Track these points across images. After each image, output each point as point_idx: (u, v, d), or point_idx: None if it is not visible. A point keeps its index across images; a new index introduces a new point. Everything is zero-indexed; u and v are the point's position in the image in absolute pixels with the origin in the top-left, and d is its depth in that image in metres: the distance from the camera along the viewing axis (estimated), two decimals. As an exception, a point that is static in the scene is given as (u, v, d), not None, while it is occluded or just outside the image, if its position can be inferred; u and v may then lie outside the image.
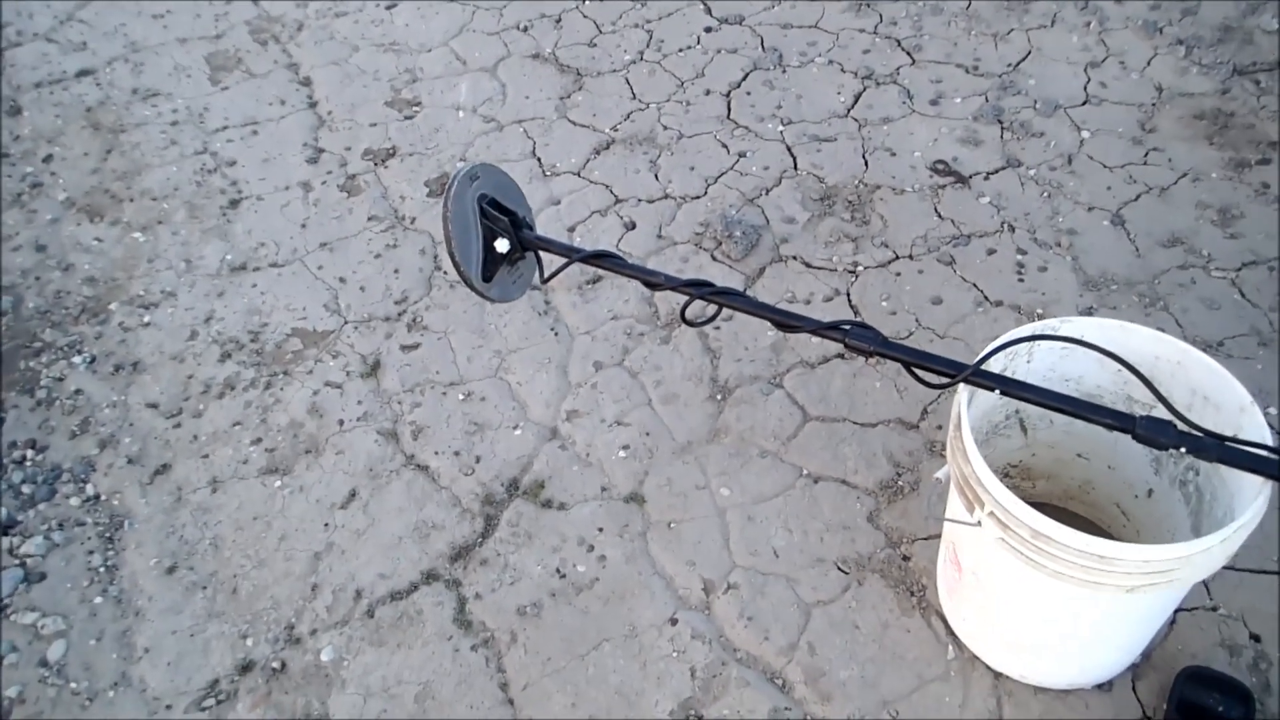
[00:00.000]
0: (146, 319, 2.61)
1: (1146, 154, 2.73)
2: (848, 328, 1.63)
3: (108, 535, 2.16)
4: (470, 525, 2.13)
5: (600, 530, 2.10)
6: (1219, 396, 1.58)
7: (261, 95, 3.31)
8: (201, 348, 2.53)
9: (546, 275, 1.88)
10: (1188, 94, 2.88)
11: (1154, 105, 2.86)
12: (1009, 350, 1.66)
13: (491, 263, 1.86)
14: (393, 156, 3.04)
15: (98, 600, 2.06)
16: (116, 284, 2.72)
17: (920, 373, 1.60)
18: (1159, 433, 1.40)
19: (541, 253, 1.91)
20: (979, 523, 1.53)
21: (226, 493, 2.23)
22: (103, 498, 2.23)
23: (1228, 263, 2.44)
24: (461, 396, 2.38)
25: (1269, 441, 1.47)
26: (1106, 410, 1.46)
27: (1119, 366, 1.46)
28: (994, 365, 1.67)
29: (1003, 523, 1.49)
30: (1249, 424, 1.52)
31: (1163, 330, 2.32)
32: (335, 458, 2.28)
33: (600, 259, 1.83)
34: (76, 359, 2.52)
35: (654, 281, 1.77)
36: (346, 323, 2.57)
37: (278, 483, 2.24)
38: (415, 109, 3.20)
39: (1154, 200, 2.61)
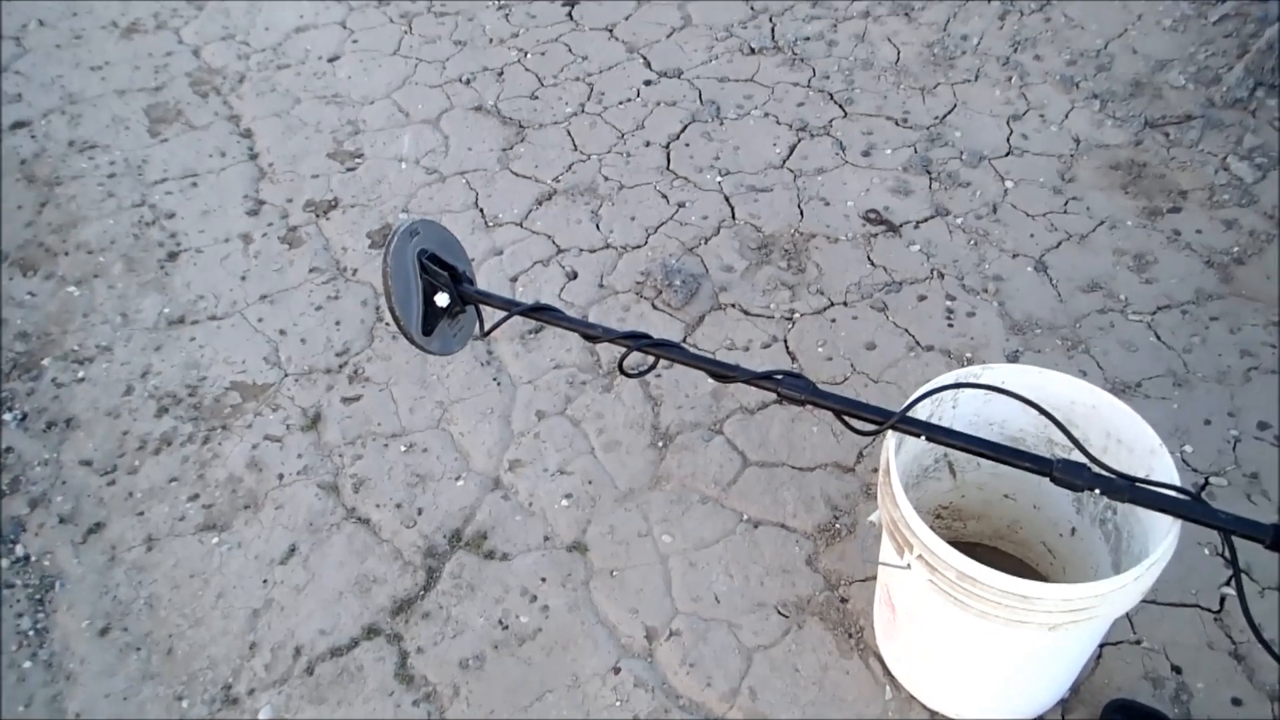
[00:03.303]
0: (81, 374, 2.58)
1: (1066, 203, 2.86)
2: (780, 377, 1.68)
3: (38, 597, 2.11)
4: (412, 578, 2.12)
5: (543, 580, 2.11)
6: (1131, 439, 1.66)
7: (202, 147, 3.31)
8: (138, 403, 2.50)
9: (486, 329, 1.91)
10: (1104, 145, 3.02)
11: (1072, 156, 3.00)
12: (936, 396, 1.73)
13: (432, 316, 1.89)
14: (334, 208, 3.05)
15: (26, 665, 2.00)
16: (50, 339, 2.68)
17: (850, 420, 1.66)
18: (1074, 475, 1.47)
19: (481, 306, 1.95)
20: (909, 565, 1.58)
21: (162, 550, 2.19)
22: (33, 558, 2.19)
23: (1144, 306, 2.56)
24: (403, 448, 2.38)
25: (1176, 481, 1.54)
26: (1025, 454, 1.52)
27: (1015, 400, 1.53)
28: (921, 412, 1.73)
29: (930, 565, 1.53)
30: (1159, 465, 1.59)
31: (1085, 373, 2.43)
32: (275, 512, 2.26)
33: (539, 312, 1.86)
34: (7, 416, 2.47)
35: (592, 334, 1.81)
36: (287, 375, 2.56)
37: (215, 539, 2.21)
38: (357, 161, 3.22)
39: (1074, 247, 2.73)
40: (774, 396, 2.47)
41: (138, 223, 3.03)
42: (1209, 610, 1.96)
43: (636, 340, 1.77)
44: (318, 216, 3.03)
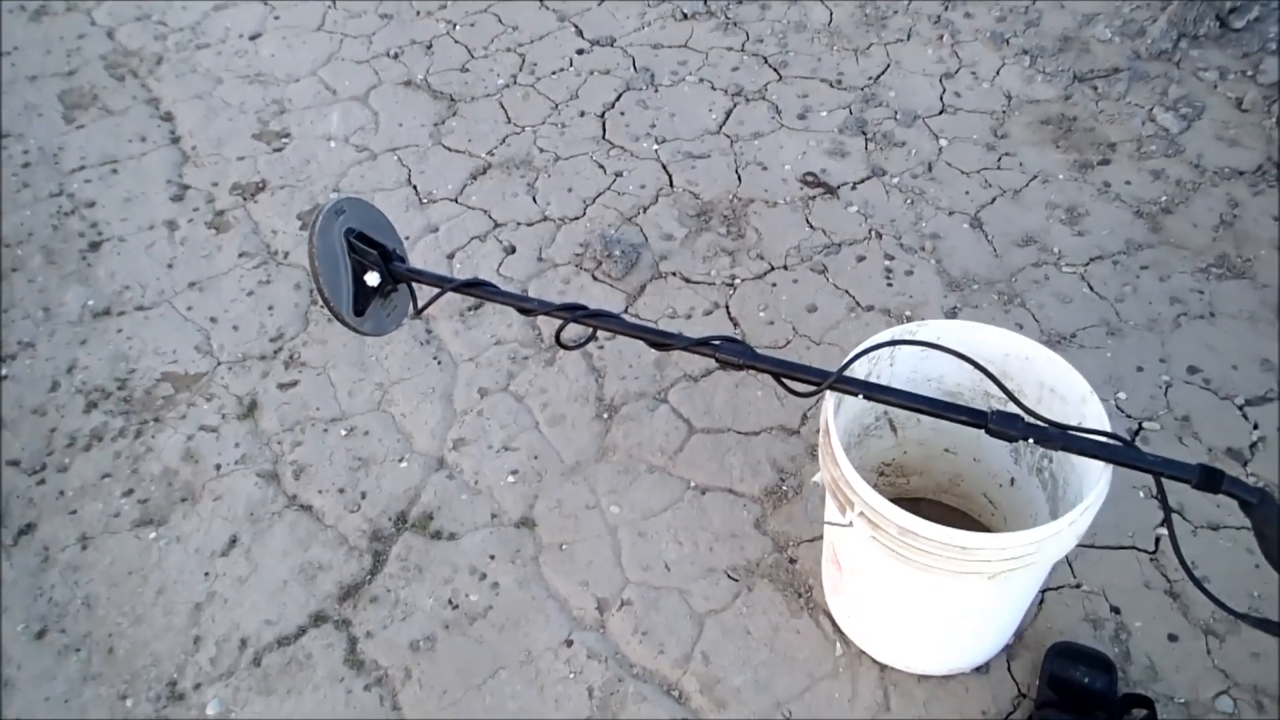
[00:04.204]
0: (3, 372, 2.49)
1: (1000, 159, 2.88)
2: (718, 343, 1.68)
3: (-33, 604, 2.05)
4: (358, 563, 2.09)
5: (492, 558, 2.09)
6: (1064, 389, 1.68)
7: (120, 133, 3.19)
8: (65, 399, 2.42)
9: (420, 306, 1.88)
10: (1034, 101, 3.05)
11: (1004, 112, 3.03)
12: (873, 355, 1.74)
13: (363, 296, 1.85)
14: (262, 190, 2.97)
15: (-41, 674, 1.94)
16: (-32, 337, 2.58)
17: (789, 382, 1.66)
18: (1008, 426, 1.49)
19: (414, 284, 1.91)
20: (851, 523, 1.59)
21: (98, 549, 2.13)
22: (-40, 564, 2.11)
23: (1076, 259, 2.60)
24: (344, 432, 2.34)
25: (1107, 428, 1.57)
26: (961, 408, 1.54)
27: (949, 354, 1.55)
28: (858, 371, 1.74)
29: (872, 522, 1.55)
30: (1090, 413, 1.61)
31: (1021, 327, 2.46)
32: (213, 504, 2.21)
33: (473, 288, 1.83)
34: (-74, 419, 2.38)
35: (527, 308, 1.79)
36: (220, 364, 2.50)
37: (153, 534, 2.16)
38: (284, 141, 3.14)
39: (1008, 202, 2.76)
40: (717, 364, 2.49)
41: (56, 213, 2.92)
42: (1145, 551, 2.01)
43: (572, 312, 1.75)
44: (245, 199, 2.95)
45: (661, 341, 1.74)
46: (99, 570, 2.10)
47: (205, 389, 2.44)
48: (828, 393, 1.66)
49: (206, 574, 2.08)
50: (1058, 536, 1.48)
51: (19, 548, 2.14)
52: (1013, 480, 1.94)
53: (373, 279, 1.83)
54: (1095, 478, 1.56)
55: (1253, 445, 2.16)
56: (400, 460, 2.28)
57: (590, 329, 1.78)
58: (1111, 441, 1.48)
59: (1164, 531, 2.02)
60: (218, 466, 2.28)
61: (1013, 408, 1.55)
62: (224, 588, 2.06)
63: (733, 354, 1.64)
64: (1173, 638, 1.89)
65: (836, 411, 1.66)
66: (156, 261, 2.77)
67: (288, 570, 2.08)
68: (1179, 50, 3.05)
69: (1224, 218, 2.65)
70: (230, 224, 2.87)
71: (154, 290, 2.68)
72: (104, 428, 2.36)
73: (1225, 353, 2.34)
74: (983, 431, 1.51)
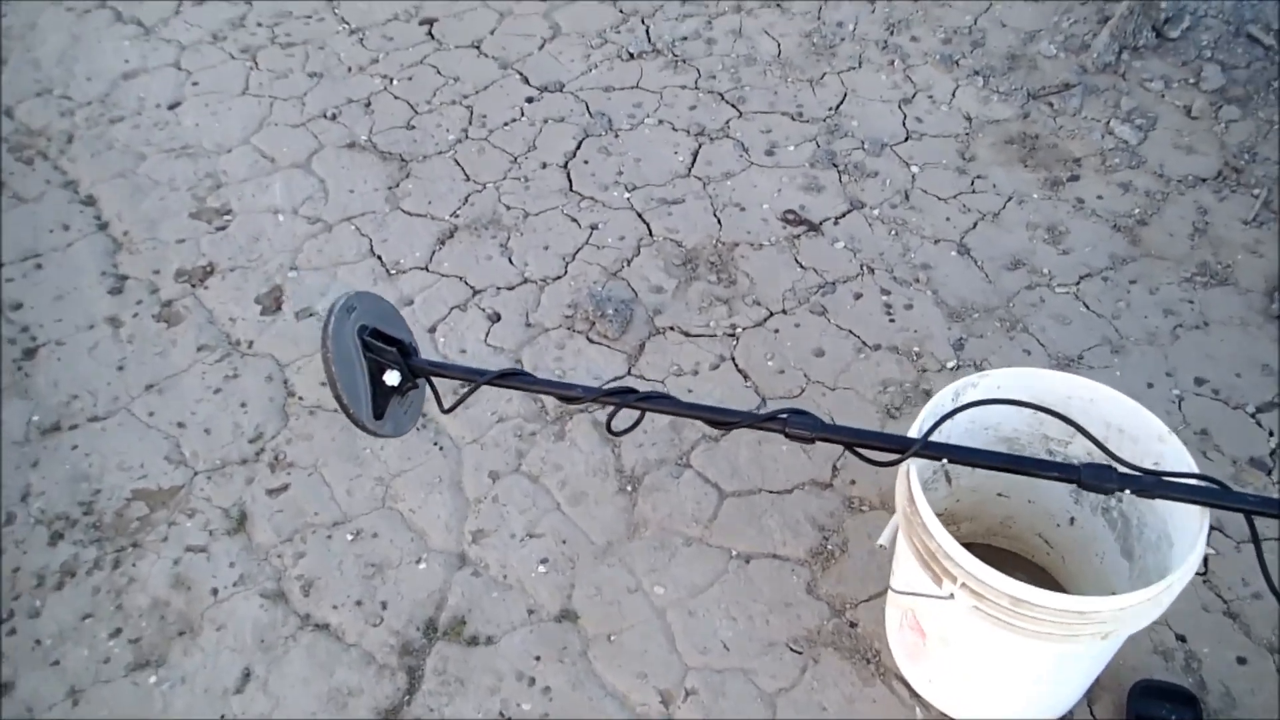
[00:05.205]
0: (-56, 509, 2.21)
1: (972, 182, 2.89)
2: (784, 417, 1.59)
3: (-56, 789, 1.79)
4: (392, 683, 1.92)
5: (537, 659, 1.95)
6: (1134, 428, 1.65)
7: (39, 222, 2.91)
8: (23, 532, 2.16)
9: (452, 404, 1.73)
10: (994, 120, 3.08)
11: (968, 134, 3.05)
12: (933, 412, 1.69)
13: (381, 397, 1.70)
14: (211, 274, 2.74)
15: None
16: (-105, 472, 2.28)
17: (864, 452, 1.58)
18: (1103, 479, 1.45)
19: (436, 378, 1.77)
20: (951, 595, 1.52)
21: (91, 702, 1.90)
22: (-72, 743, 1.85)
23: (1067, 278, 2.61)
24: (349, 536, 2.15)
25: (1192, 468, 1.54)
26: (1052, 464, 1.50)
27: (1033, 409, 1.51)
28: (919, 424, 1.68)
29: (977, 593, 1.48)
30: (1169, 452, 1.59)
31: (1028, 353, 2.46)
32: (216, 634, 1.99)
33: (508, 378, 1.71)
34: None
35: (572, 396, 1.67)
36: (196, 473, 2.28)
37: (152, 678, 1.93)
38: (227, 218, 2.91)
39: (989, 226, 2.76)
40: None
41: (-22, 319, 2.63)
42: (1196, 574, 2.00)
43: (623, 397, 1.64)
44: (193, 286, 2.71)
45: (724, 420, 1.65)
46: (95, 728, 1.86)
47: (184, 504, 2.21)
48: (908, 462, 1.60)
49: (222, 717, 1.87)
50: (1169, 590, 1.44)
51: (-6, 713, 1.89)
52: (1072, 520, 1.91)
53: (392, 378, 1.69)
54: (1184, 516, 1.54)
55: (1273, 453, 2.20)
56: (417, 561, 2.11)
57: (639, 411, 1.68)
58: (1209, 485, 1.46)
59: (1213, 550, 2.02)
60: (214, 591, 2.06)
61: (1099, 457, 1.52)
62: (246, 731, 1.85)
63: (804, 428, 1.56)
64: (1241, 660, 1.89)
65: (918, 479, 1.59)
66: (104, 364, 2.51)
67: (314, 701, 1.89)
68: (1122, 62, 3.13)
69: (1196, 225, 2.71)
70: (181, 315, 2.63)
71: (106, 397, 2.43)
72: (75, 560, 2.11)
73: (1226, 361, 2.39)
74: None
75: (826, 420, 1.57)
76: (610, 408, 1.62)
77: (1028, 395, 1.69)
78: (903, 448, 1.54)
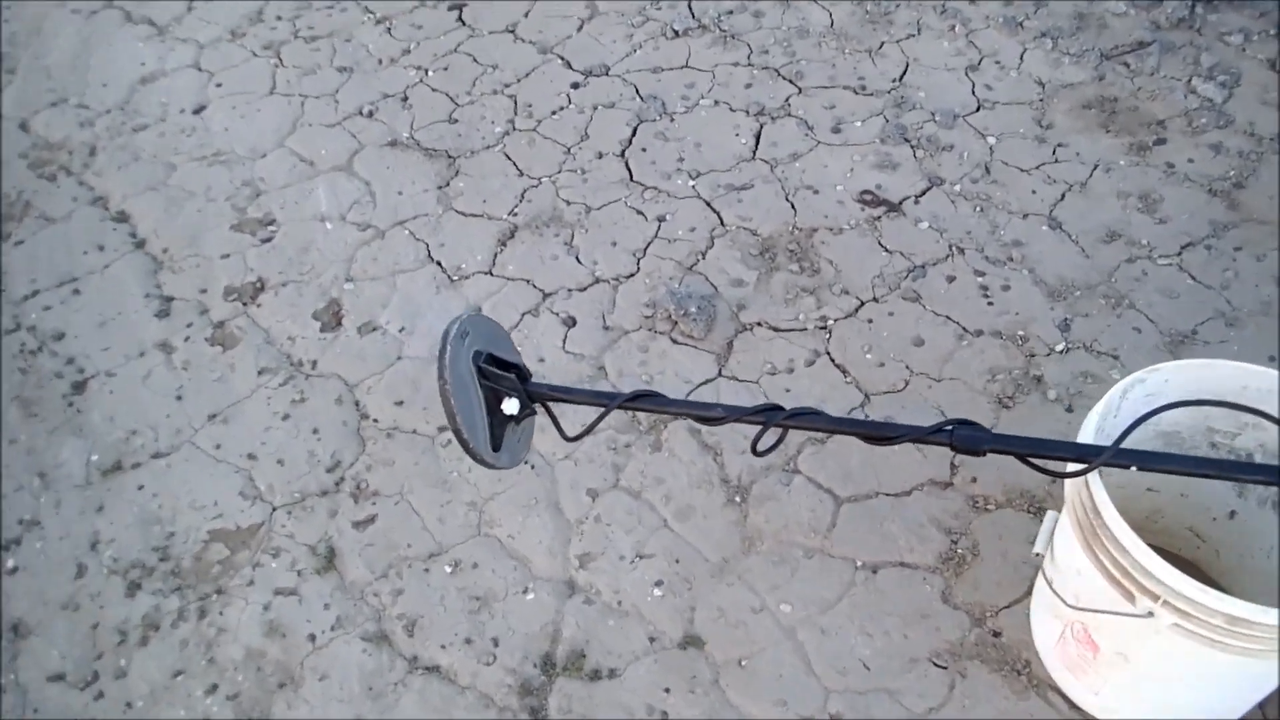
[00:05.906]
0: (10, 563, 2.06)
1: (1054, 151, 2.75)
2: (950, 429, 1.47)
3: None
4: (515, 726, 1.80)
5: (667, 691, 1.83)
6: (1321, 418, 1.53)
7: (71, 244, 2.74)
8: (97, 584, 2.02)
9: (577, 434, 1.60)
10: (1068, 85, 2.94)
11: (1042, 101, 2.90)
12: (1101, 410, 1.57)
13: (498, 427, 1.57)
14: (262, 290, 2.59)
15: None
16: (-49, 524, 2.13)
17: (1038, 463, 1.46)
18: (1312, 480, 1.33)
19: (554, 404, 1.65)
20: (1149, 614, 1.41)
21: (194, 768, 1.77)
22: (26, 822, 1.72)
23: (1167, 248, 2.49)
24: (448, 569, 2.02)
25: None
26: (1256, 467, 1.38)
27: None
28: (1087, 431, 1.56)
29: (1183, 611, 1.37)
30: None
31: (1139, 330, 2.33)
32: (320, 685, 1.87)
33: (639, 401, 1.58)
34: (-73, 639, 1.95)
35: (713, 416, 1.54)
36: (275, 509, 2.14)
37: (257, 736, 1.81)
38: (271, 228, 2.75)
39: (1078, 197, 2.63)
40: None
41: (20, 352, 2.46)
42: (1353, 560, 1.90)
43: (771, 415, 1.51)
44: (245, 304, 2.56)
45: (885, 436, 1.52)
46: (203, 794, 1.74)
47: (266, 543, 2.08)
48: (1095, 473, 1.48)
49: (338, 775, 1.75)
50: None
51: (90, 783, 1.76)
52: (1232, 514, 1.79)
53: (511, 406, 1.57)
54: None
55: None
56: (524, 591, 1.98)
57: (781, 429, 1.55)
58: None
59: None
60: (312, 637, 1.93)
61: (1272, 449, 1.41)
62: (367, 789, 1.73)
63: (971, 442, 1.44)
64: None
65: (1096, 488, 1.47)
66: (160, 395, 2.36)
67: (435, 751, 1.77)
68: (1197, 16, 2.99)
69: (1296, 185, 2.59)
70: (236, 336, 2.48)
71: (168, 431, 2.29)
72: (157, 612, 1.98)
73: (1349, 329, 2.27)
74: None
75: (991, 431, 1.43)
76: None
77: (1199, 389, 1.58)
78: (1086, 456, 1.42)
